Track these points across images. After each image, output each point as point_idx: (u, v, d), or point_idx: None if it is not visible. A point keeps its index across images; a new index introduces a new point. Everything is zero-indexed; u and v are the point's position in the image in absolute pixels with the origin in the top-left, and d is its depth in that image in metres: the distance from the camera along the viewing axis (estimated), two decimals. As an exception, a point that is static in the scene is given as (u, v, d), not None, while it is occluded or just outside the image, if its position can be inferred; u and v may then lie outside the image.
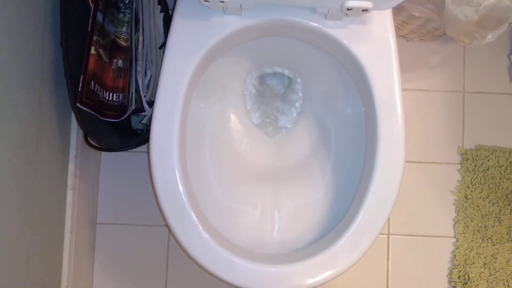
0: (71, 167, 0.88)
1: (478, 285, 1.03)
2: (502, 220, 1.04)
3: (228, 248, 0.68)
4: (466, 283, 1.03)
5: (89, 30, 0.80)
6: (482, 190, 1.06)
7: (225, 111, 0.86)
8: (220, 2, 0.65)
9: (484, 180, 1.06)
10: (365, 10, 0.67)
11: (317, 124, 0.86)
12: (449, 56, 1.11)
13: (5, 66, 0.65)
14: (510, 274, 1.03)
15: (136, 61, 0.85)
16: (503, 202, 1.05)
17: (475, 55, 1.11)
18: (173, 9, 0.73)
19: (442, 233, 1.06)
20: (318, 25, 0.72)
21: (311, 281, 0.67)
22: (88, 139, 0.85)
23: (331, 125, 0.85)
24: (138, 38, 0.85)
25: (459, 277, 1.03)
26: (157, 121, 0.70)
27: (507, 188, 1.05)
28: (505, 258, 1.04)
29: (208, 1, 0.66)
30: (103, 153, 1.05)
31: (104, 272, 1.03)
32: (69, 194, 0.88)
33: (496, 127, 1.09)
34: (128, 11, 0.89)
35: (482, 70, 1.11)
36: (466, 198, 1.06)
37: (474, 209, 1.05)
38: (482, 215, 1.05)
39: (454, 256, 1.05)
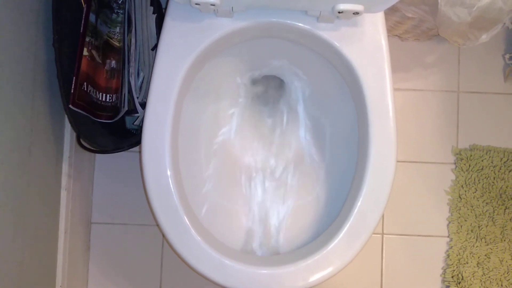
0: (65, 168, 0.88)
1: (471, 284, 1.03)
2: (495, 219, 1.05)
3: (220, 250, 0.68)
4: (459, 283, 1.03)
5: (81, 31, 0.80)
6: (476, 190, 1.06)
7: (219, 112, 0.86)
8: (211, 5, 0.65)
9: (478, 180, 1.06)
10: (356, 13, 0.67)
11: (311, 126, 0.86)
12: (444, 55, 1.11)
13: (-3, 67, 0.66)
14: (504, 274, 1.04)
15: (128, 62, 0.85)
16: (497, 202, 1.05)
17: (470, 55, 1.10)
18: (164, 11, 0.73)
19: (436, 233, 1.06)
20: (310, 28, 0.72)
21: (302, 283, 0.67)
22: (81, 141, 0.85)
23: (326, 126, 0.85)
24: (130, 39, 0.85)
25: (452, 277, 1.04)
26: (149, 124, 0.70)
27: (500, 188, 1.06)
28: (498, 257, 1.04)
29: (199, 4, 0.66)
30: (97, 153, 1.05)
31: (99, 272, 1.03)
32: (63, 194, 0.88)
33: (491, 127, 1.09)
34: (121, 11, 0.89)
35: (477, 70, 1.10)
36: (460, 198, 1.06)
37: (468, 209, 1.05)
38: (476, 215, 1.05)
39: (448, 255, 1.05)
